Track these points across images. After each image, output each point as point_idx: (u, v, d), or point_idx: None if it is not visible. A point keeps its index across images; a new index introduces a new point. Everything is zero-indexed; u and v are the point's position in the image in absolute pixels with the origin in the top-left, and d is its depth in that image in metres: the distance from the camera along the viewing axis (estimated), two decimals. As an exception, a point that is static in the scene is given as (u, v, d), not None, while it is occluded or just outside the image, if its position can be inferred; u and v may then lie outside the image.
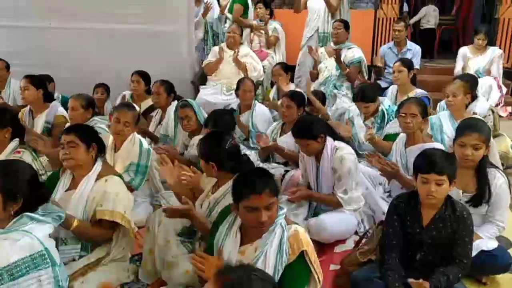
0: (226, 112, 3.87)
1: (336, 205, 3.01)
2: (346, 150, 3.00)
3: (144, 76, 4.82)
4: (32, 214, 1.97)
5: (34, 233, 1.91)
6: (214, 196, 2.55)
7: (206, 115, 4.06)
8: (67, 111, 4.04)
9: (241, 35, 5.62)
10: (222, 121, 3.53)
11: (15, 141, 3.04)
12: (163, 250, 2.54)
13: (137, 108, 3.92)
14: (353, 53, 5.19)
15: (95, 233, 2.46)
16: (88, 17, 5.44)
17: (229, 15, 6.12)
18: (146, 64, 4.88)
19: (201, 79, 5.71)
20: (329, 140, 3.02)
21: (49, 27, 5.50)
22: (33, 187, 2.01)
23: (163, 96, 4.37)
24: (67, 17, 5.47)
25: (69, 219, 2.30)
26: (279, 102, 4.78)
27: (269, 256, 1.93)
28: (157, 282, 2.57)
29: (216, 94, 5.24)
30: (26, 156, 2.95)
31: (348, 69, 5.13)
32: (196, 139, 3.83)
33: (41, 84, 4.21)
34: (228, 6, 6.16)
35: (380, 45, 6.76)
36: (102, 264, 2.51)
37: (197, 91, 5.51)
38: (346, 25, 5.24)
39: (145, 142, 3.44)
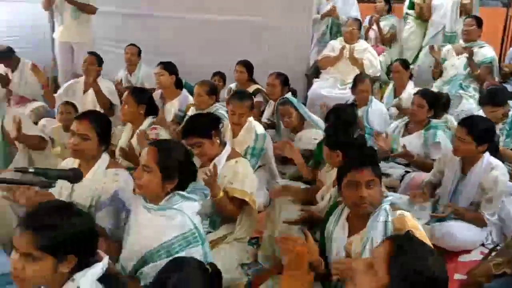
0: (347, 106, 3.83)
1: (479, 224, 2.83)
2: (501, 171, 2.79)
3: (247, 66, 4.93)
4: (183, 193, 2.06)
5: (185, 211, 2.00)
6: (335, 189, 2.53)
7: (307, 110, 4.06)
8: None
9: (359, 29, 5.50)
10: (344, 114, 3.49)
11: (151, 118, 3.29)
12: (284, 236, 2.59)
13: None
14: (485, 52, 4.84)
15: (230, 208, 2.58)
16: (207, 8, 5.68)
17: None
18: (261, 56, 4.99)
19: (314, 72, 5.71)
20: (486, 154, 2.81)
21: (161, 16, 5.81)
22: (187, 167, 2.11)
23: (278, 88, 4.41)
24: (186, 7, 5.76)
25: (217, 191, 2.42)
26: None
27: (375, 241, 1.87)
28: (276, 267, 2.62)
29: (330, 88, 5.18)
30: (163, 133, 3.18)
31: (478, 70, 4.79)
32: (302, 134, 3.88)
33: (174, 70, 4.39)
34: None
35: (510, 47, 6.23)
36: (226, 241, 2.62)
37: (310, 84, 5.52)
38: (479, 22, 4.88)
39: (261, 127, 3.54)
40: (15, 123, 3.04)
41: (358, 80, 4.34)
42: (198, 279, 1.59)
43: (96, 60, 4.52)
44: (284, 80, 4.43)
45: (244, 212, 2.65)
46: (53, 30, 6.75)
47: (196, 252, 1.96)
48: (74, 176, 1.60)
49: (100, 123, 2.41)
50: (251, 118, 3.52)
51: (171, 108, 4.37)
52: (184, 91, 4.54)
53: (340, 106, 3.70)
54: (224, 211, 2.58)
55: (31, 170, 1.56)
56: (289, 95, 4.28)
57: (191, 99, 4.38)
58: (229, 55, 5.30)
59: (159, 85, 4.44)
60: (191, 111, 4.10)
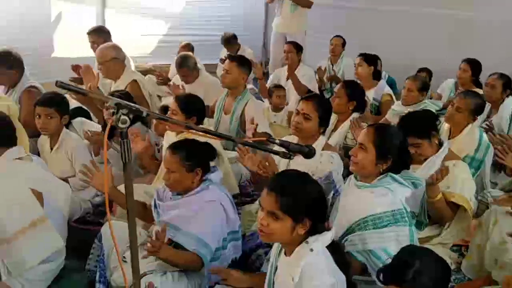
0: None
1: None
2: None
3: (474, 64, 4.53)
4: (396, 176, 2.13)
5: (396, 192, 2.07)
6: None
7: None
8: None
9: None
10: None
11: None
12: (497, 249, 2.39)
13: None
14: None
15: (447, 212, 2.50)
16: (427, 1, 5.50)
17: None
18: (481, 55, 4.60)
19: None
20: None
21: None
22: (402, 151, 2.15)
23: (498, 90, 3.97)
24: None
25: (436, 193, 2.39)
26: None
27: None
28: (482, 279, 2.45)
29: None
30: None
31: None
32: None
33: (373, 61, 4.55)
34: None
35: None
36: (430, 243, 2.54)
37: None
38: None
39: (485, 136, 3.22)
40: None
41: None
42: (438, 270, 1.59)
43: (294, 48, 4.86)
44: (506, 82, 4.00)
45: (456, 217, 2.53)
46: (266, 19, 7.43)
47: (403, 232, 2.02)
48: (309, 152, 1.74)
49: (323, 106, 2.58)
50: (476, 123, 3.26)
51: (370, 96, 4.37)
52: (382, 81, 4.55)
53: None
54: (438, 214, 2.50)
55: (277, 141, 1.75)
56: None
57: (387, 89, 4.44)
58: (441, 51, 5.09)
59: (357, 75, 4.56)
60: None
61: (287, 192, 1.65)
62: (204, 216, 2.22)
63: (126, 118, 1.38)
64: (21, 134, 2.60)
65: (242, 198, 3.27)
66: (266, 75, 5.78)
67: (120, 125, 1.37)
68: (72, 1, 5.78)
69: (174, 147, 2.29)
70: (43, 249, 2.28)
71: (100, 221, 2.99)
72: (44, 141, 3.09)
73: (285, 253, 1.76)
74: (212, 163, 2.41)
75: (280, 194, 1.64)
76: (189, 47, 5.57)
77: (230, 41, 6.12)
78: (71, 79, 4.09)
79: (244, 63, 3.68)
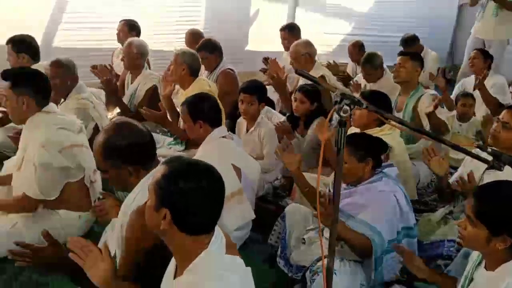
0: None
1: None
2: None
3: None
4: None
5: None
6: None
7: None
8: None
9: None
10: None
11: None
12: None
13: None
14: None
15: None
16: None
17: None
18: None
19: None
20: None
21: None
22: None
23: None
24: None
25: None
26: None
27: None
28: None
29: None
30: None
31: None
32: None
33: None
34: None
35: None
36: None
37: None
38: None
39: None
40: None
41: None
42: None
43: (481, 54, 4.45)
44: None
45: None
46: (457, 22, 6.96)
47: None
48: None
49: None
50: None
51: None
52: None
53: None
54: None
55: (488, 149, 1.68)
56: None
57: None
58: None
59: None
60: None
61: (487, 200, 1.59)
62: (376, 205, 2.22)
63: (348, 108, 1.49)
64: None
65: (420, 206, 3.19)
66: (450, 81, 5.43)
67: (341, 114, 1.49)
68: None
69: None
70: (240, 218, 2.57)
71: (279, 202, 3.24)
72: (241, 123, 3.46)
73: (485, 267, 1.68)
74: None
75: (479, 200, 1.60)
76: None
77: (408, 42, 5.88)
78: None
79: (417, 57, 3.68)
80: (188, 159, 1.50)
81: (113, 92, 3.77)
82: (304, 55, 4.00)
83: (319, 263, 2.24)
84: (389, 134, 2.82)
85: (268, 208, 3.17)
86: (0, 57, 3.74)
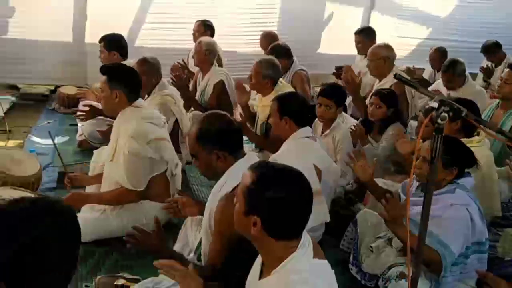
0: None
1: None
2: None
3: None
4: None
5: None
6: None
7: None
8: None
9: None
10: None
11: None
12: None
13: None
14: None
15: None
16: None
17: None
18: None
19: None
20: None
21: None
22: None
23: None
24: None
25: None
26: None
27: None
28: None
29: None
30: None
31: None
32: None
33: None
34: None
35: None
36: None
37: None
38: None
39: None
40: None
41: None
42: None
43: None
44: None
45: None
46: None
47: None
48: None
49: None
50: None
51: None
52: None
53: None
54: None
55: None
56: None
57: None
58: None
59: None
60: None
61: None
62: (446, 218, 2.14)
63: (446, 115, 1.46)
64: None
65: (500, 220, 3.02)
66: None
67: (439, 121, 1.46)
68: (343, 2, 6.20)
69: None
70: (315, 219, 2.56)
71: (350, 207, 3.21)
72: (317, 125, 3.46)
73: None
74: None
75: None
76: None
77: (489, 49, 5.59)
78: None
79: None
80: (277, 165, 1.54)
81: (182, 88, 3.88)
82: (384, 59, 3.93)
83: (391, 271, 2.21)
84: (478, 146, 2.68)
85: (340, 212, 3.15)
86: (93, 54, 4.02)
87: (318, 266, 1.47)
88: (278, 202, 1.40)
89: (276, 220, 1.41)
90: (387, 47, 3.97)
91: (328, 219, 2.70)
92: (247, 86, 3.72)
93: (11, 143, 3.97)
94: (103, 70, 2.70)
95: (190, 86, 4.37)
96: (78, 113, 3.81)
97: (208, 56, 4.18)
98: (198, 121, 2.03)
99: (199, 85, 4.32)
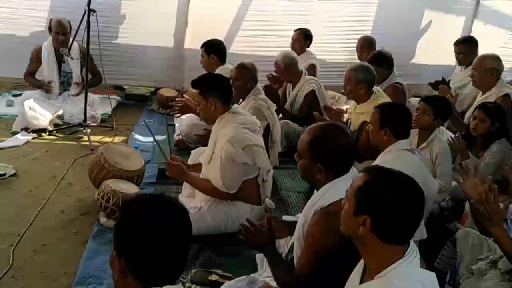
0: None
1: None
2: None
3: None
4: None
5: None
6: None
7: None
8: None
9: None
10: None
11: None
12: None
13: None
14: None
15: None
16: None
17: None
18: None
19: None
20: None
21: None
22: None
23: None
24: None
25: None
26: None
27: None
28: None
29: None
30: None
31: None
32: None
33: None
34: None
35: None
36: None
37: None
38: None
39: None
40: None
41: None
42: None
43: None
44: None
45: None
46: None
47: None
48: None
49: None
50: None
51: None
52: None
53: None
54: None
55: None
56: None
57: None
58: None
59: None
60: None
61: None
62: None
63: None
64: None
65: None
66: None
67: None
68: (443, 10, 5.92)
69: None
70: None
71: (446, 224, 3.05)
72: (413, 136, 3.34)
73: None
74: None
75: None
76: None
77: None
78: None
79: None
80: (390, 170, 1.52)
81: (272, 95, 3.92)
82: (491, 70, 3.70)
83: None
84: None
85: (433, 229, 3.01)
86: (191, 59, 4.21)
87: (425, 277, 1.43)
88: (391, 203, 1.39)
89: (388, 221, 1.40)
90: (496, 58, 3.75)
91: (424, 236, 2.58)
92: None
93: (117, 139, 4.31)
94: (194, 84, 2.83)
95: (280, 94, 4.45)
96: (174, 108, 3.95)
97: (290, 69, 4.24)
98: (320, 127, 1.97)
99: (289, 94, 4.38)
